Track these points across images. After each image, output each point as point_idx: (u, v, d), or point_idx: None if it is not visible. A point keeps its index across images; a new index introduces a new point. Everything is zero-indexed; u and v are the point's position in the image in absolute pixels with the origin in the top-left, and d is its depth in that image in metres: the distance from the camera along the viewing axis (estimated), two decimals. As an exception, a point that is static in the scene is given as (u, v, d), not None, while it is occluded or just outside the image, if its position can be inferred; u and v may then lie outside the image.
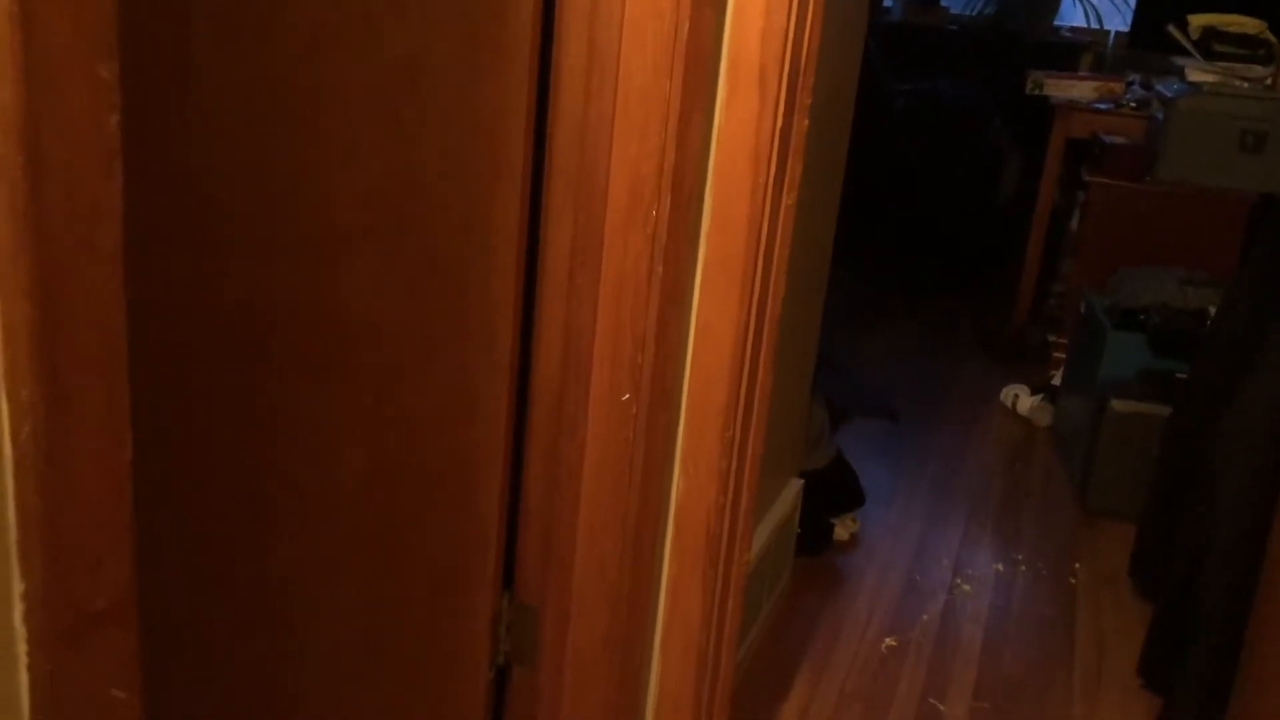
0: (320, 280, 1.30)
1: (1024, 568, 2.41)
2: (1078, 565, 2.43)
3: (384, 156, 1.24)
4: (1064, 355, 3.37)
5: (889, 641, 2.10)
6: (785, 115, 1.27)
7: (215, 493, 1.42)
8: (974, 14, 5.18)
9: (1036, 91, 3.75)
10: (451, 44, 1.20)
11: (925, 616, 2.20)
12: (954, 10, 5.28)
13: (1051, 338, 3.62)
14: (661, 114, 1.18)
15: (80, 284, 0.53)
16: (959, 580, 2.34)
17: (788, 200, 1.34)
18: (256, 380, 1.36)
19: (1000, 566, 2.41)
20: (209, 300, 1.36)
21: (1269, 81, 3.08)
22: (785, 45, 1.23)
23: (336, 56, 1.24)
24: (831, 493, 2.49)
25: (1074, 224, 3.70)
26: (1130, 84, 3.74)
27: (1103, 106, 3.62)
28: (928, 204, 4.60)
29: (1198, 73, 3.17)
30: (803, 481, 2.31)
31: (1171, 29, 3.20)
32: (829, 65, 1.90)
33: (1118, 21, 4.94)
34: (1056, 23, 5.11)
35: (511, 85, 1.19)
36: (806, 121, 1.33)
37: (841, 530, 2.49)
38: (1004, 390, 3.34)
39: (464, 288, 1.27)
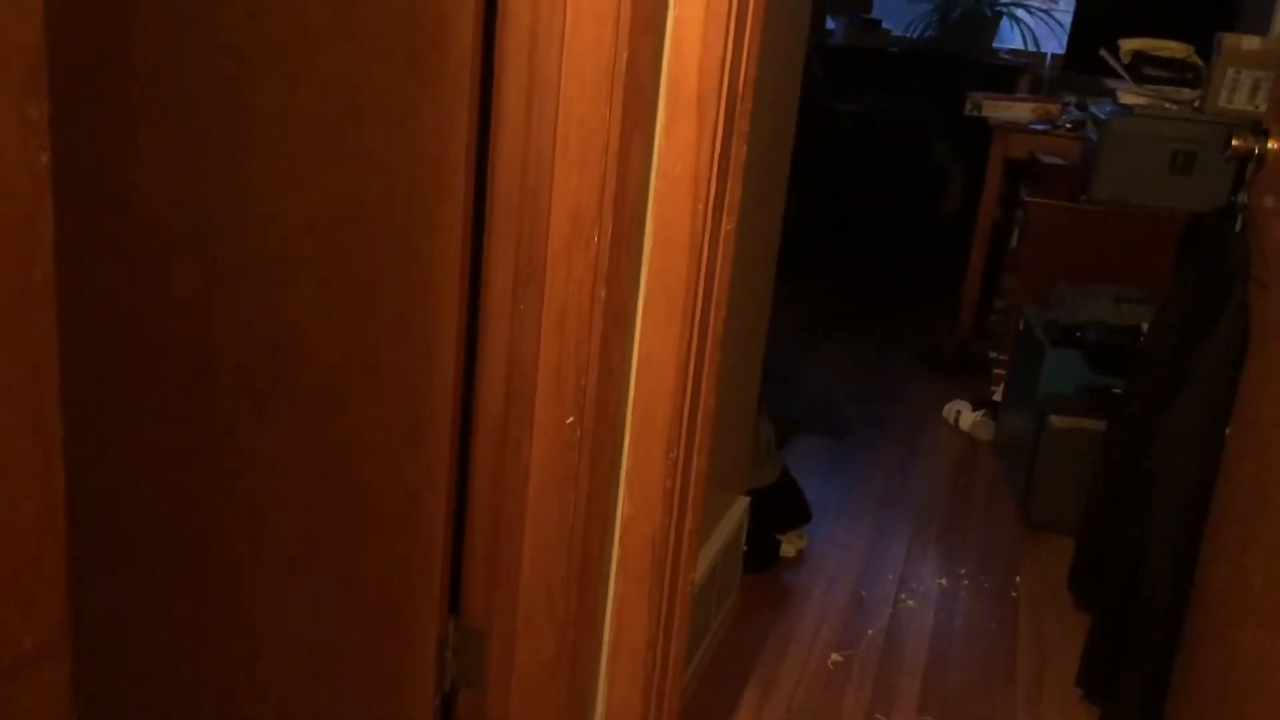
0: (262, 305, 1.29)
1: (967, 582, 2.45)
2: (1019, 579, 2.48)
3: (326, 182, 1.24)
4: (1005, 371, 3.43)
5: (835, 657, 2.12)
6: (724, 141, 1.30)
7: (157, 520, 1.41)
8: (915, 36, 5.27)
9: (975, 112, 3.82)
10: (392, 70, 1.21)
11: (871, 632, 2.22)
12: (895, 33, 5.37)
13: (993, 353, 3.69)
14: (602, 142, 1.20)
15: (11, 318, 0.53)
16: (904, 595, 2.37)
17: (728, 224, 1.36)
18: (199, 406, 1.35)
19: (944, 581, 2.45)
20: (150, 326, 1.35)
21: (1197, 104, 3.17)
22: (723, 74, 1.25)
23: (276, 82, 1.24)
24: (778, 509, 2.51)
25: (1014, 241, 3.77)
26: (1066, 105, 3.83)
27: (1040, 127, 3.70)
28: (872, 221, 4.67)
29: (1129, 95, 3.26)
30: (749, 499, 2.33)
31: (1103, 53, 3.29)
32: (770, 88, 1.93)
33: (1054, 44, 5.06)
34: (995, 45, 5.22)
35: (453, 112, 1.20)
36: (745, 148, 1.35)
37: (788, 547, 2.52)
38: (946, 406, 3.39)
39: (407, 313, 1.27)
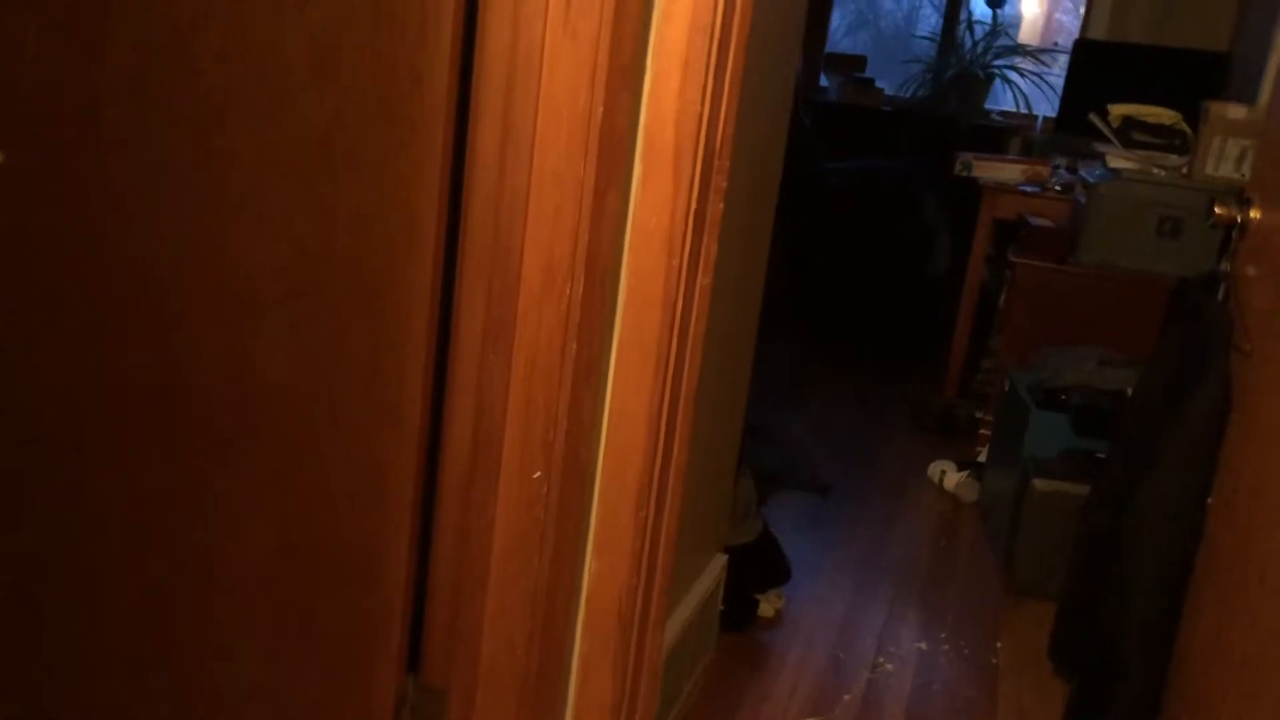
0: (228, 349, 1.27)
1: (946, 646, 2.41)
2: (999, 644, 2.44)
3: (296, 226, 1.23)
4: (990, 431, 3.41)
5: (811, 721, 2.08)
6: (700, 197, 1.29)
7: (115, 566, 1.37)
8: (908, 96, 5.32)
9: (965, 173, 3.84)
10: (366, 116, 1.20)
11: (847, 696, 2.18)
12: (889, 92, 5.42)
13: (979, 414, 3.67)
14: (576, 194, 1.19)
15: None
16: (882, 659, 2.33)
17: (703, 280, 1.35)
18: (162, 450, 1.33)
19: (923, 645, 2.41)
20: (113, 368, 1.33)
21: (1184, 170, 3.19)
22: (700, 129, 1.25)
23: (251, 126, 1.23)
24: (757, 568, 2.47)
25: (1001, 302, 3.77)
26: (1056, 168, 3.85)
27: (1029, 189, 3.72)
28: (860, 279, 4.67)
29: (1118, 159, 3.27)
30: (728, 556, 2.29)
31: (1093, 117, 3.31)
32: (755, 144, 1.93)
33: (1045, 107, 5.11)
34: (987, 106, 5.26)
35: (426, 160, 1.19)
36: (722, 204, 1.34)
37: (767, 606, 2.48)
38: (931, 465, 3.37)
39: (374, 361, 1.25)
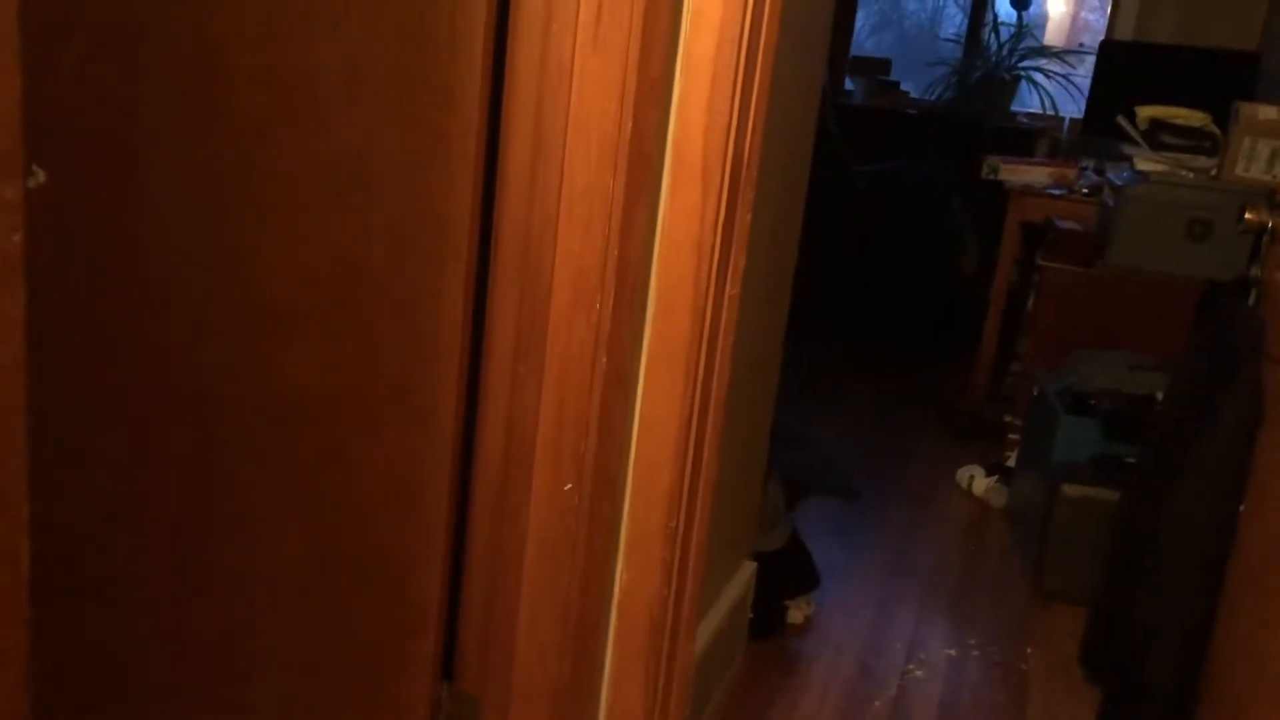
0: (262, 360, 1.29)
1: (976, 653, 2.40)
2: (1029, 650, 2.43)
3: (331, 240, 1.24)
4: (1019, 436, 3.40)
5: (840, 728, 2.08)
6: (728, 209, 1.29)
7: (148, 576, 1.39)
8: (934, 99, 5.30)
9: (992, 175, 3.82)
10: (399, 131, 1.22)
11: (878, 703, 2.18)
12: (914, 95, 5.40)
13: (1008, 418, 3.65)
14: (605, 209, 1.20)
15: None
16: (911, 666, 2.33)
17: (732, 290, 1.36)
18: (195, 459, 1.35)
19: (953, 651, 2.40)
20: (150, 378, 1.35)
21: (1213, 172, 3.16)
22: (728, 141, 1.25)
23: (286, 142, 1.25)
24: (786, 575, 2.48)
25: (1029, 306, 3.76)
26: (1083, 170, 3.82)
27: (1056, 192, 3.70)
28: (888, 282, 4.66)
29: (1146, 162, 3.25)
30: (756, 563, 2.30)
31: (1120, 120, 3.29)
32: (781, 152, 1.94)
33: (1072, 108, 5.08)
34: (1013, 108, 5.24)
35: (458, 174, 1.21)
36: (750, 215, 1.35)
37: (796, 613, 2.48)
38: (960, 471, 3.35)
39: (408, 373, 1.27)
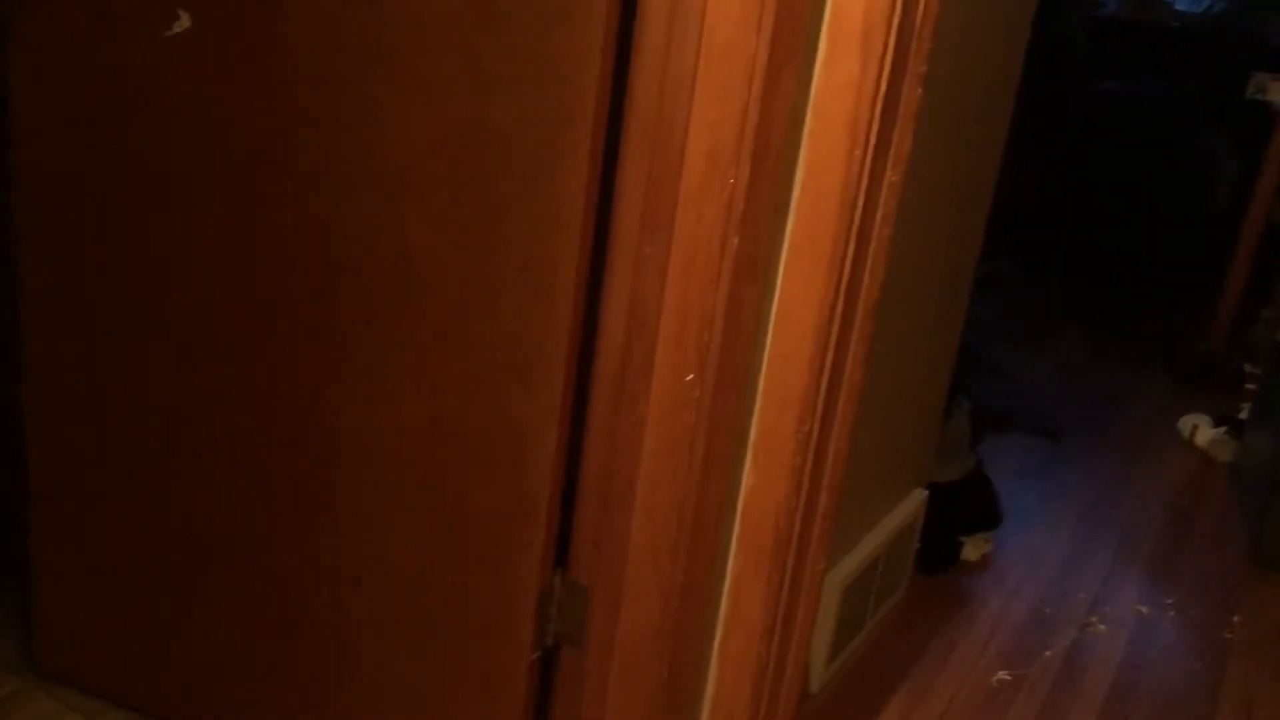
0: (386, 225, 1.26)
1: (1173, 613, 2.17)
2: (1236, 619, 2.18)
3: (454, 98, 1.18)
4: (1257, 388, 3.04)
5: (1002, 675, 1.93)
6: (892, 81, 1.15)
7: (269, 439, 1.40)
8: (1202, 11, 4.75)
9: (1259, 95, 3.40)
10: (536, -14, 1.13)
11: (1049, 653, 2.01)
12: (1180, 7, 4.87)
13: (1249, 367, 3.28)
14: (746, 72, 1.08)
15: None
16: (1094, 618, 2.13)
17: (892, 176, 1.21)
18: (322, 321, 1.33)
19: (1145, 609, 2.18)
20: (281, 235, 1.34)
21: None
22: (895, 2, 1.10)
23: (423, -5, 1.19)
24: (964, 509, 2.31)
25: (1289, 244, 3.34)
26: (1371, 92, 3.34)
27: (1335, 115, 3.24)
28: (1127, 211, 4.26)
29: None
30: (928, 493, 2.15)
31: None
32: (977, 27, 1.74)
33: (1370, 25, 4.44)
34: (1298, 24, 4.63)
35: (590, 32, 1.11)
36: (920, 91, 1.20)
37: (971, 550, 2.32)
38: (1183, 419, 3.04)
39: (530, 244, 1.20)
